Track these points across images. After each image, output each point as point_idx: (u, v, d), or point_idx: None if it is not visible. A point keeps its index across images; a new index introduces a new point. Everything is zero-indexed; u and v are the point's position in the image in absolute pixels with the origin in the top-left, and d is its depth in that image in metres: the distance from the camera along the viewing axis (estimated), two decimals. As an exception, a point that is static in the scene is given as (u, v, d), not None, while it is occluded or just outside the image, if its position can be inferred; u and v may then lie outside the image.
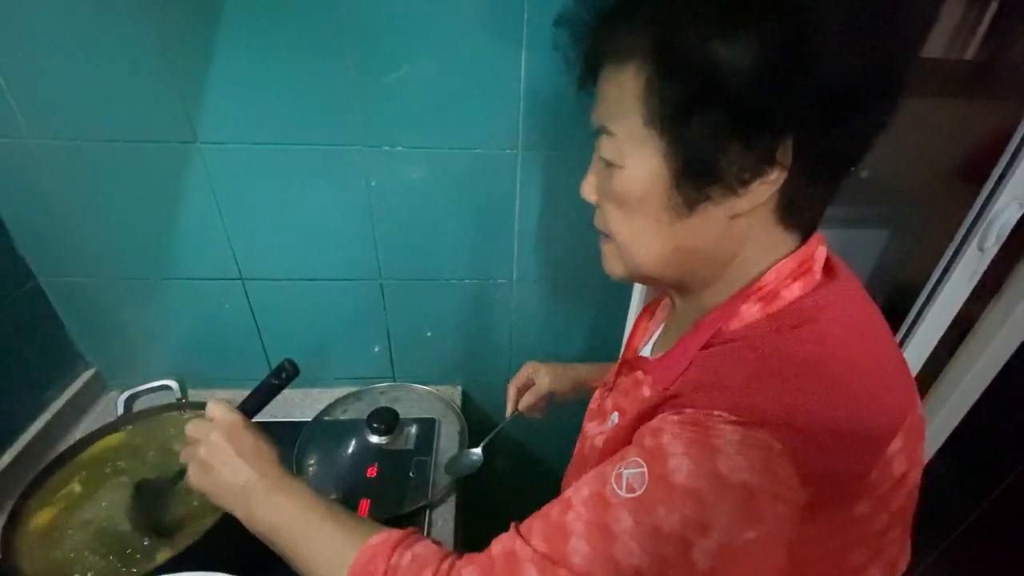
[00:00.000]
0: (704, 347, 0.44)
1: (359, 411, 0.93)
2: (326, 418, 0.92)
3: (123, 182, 0.76)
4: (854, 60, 0.35)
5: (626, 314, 0.93)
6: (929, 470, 1.08)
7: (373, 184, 0.79)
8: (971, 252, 0.86)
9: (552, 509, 0.41)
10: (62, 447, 0.79)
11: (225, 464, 0.52)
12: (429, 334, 0.97)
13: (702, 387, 0.40)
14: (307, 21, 0.66)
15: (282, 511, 0.50)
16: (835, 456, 0.35)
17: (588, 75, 0.45)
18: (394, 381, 1.01)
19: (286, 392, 1.01)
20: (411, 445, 0.87)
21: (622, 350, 0.92)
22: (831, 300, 0.42)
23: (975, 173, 0.90)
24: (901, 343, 1.00)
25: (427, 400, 0.97)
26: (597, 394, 0.63)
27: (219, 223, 0.81)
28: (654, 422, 0.40)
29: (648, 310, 0.66)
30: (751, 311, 0.43)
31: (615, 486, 0.38)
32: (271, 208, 0.80)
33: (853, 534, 0.37)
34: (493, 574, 0.40)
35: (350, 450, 0.86)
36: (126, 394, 0.76)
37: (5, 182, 0.75)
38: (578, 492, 0.40)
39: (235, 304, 0.89)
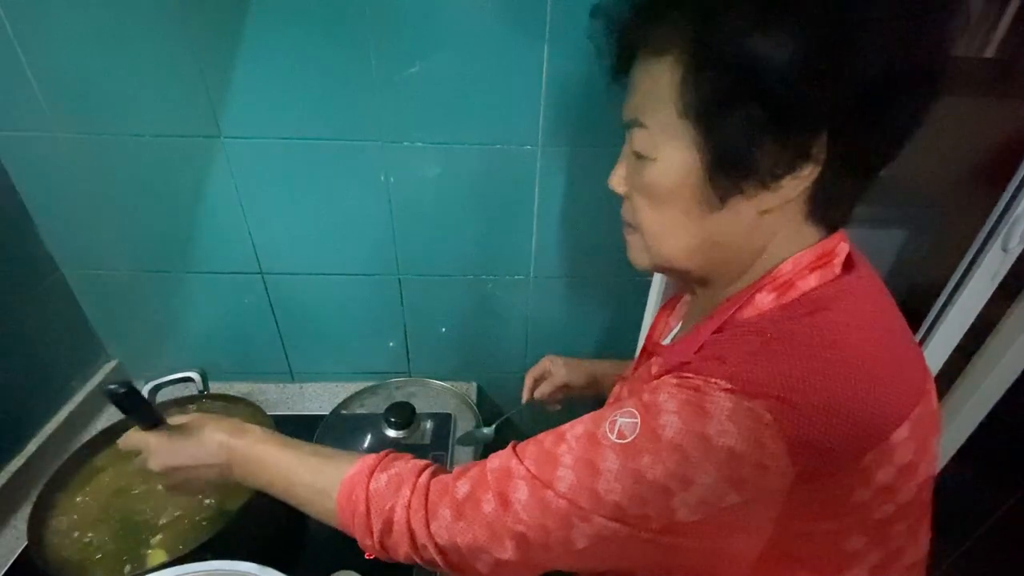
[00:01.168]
0: (716, 332, 0.44)
1: (375, 405, 0.93)
2: (343, 412, 0.92)
3: (147, 176, 0.77)
4: (892, 56, 0.35)
5: (643, 312, 0.92)
6: (947, 474, 1.08)
7: (392, 179, 0.79)
8: (994, 253, 0.85)
9: (547, 437, 0.44)
10: (85, 437, 0.80)
11: (187, 478, 0.55)
12: (444, 330, 0.97)
13: (705, 359, 0.40)
14: (331, 16, 0.66)
15: (260, 476, 0.53)
16: (826, 433, 0.35)
17: (621, 67, 0.45)
18: (410, 376, 1.02)
19: (303, 385, 1.03)
20: (427, 440, 0.88)
21: (641, 344, 0.93)
22: (846, 291, 0.42)
23: (995, 173, 0.89)
24: (919, 345, 1.00)
25: (443, 395, 0.97)
26: (616, 387, 0.63)
27: (240, 217, 0.81)
28: (656, 381, 0.41)
29: (669, 305, 0.67)
30: (765, 300, 0.43)
31: (607, 430, 0.40)
32: (291, 203, 0.81)
33: (850, 519, 0.38)
34: (487, 487, 0.43)
35: (367, 444, 0.86)
36: (150, 385, 0.77)
37: (33, 175, 0.76)
38: (573, 428, 0.43)
39: (255, 298, 0.90)
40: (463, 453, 0.89)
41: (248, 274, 0.88)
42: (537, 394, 0.83)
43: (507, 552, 0.41)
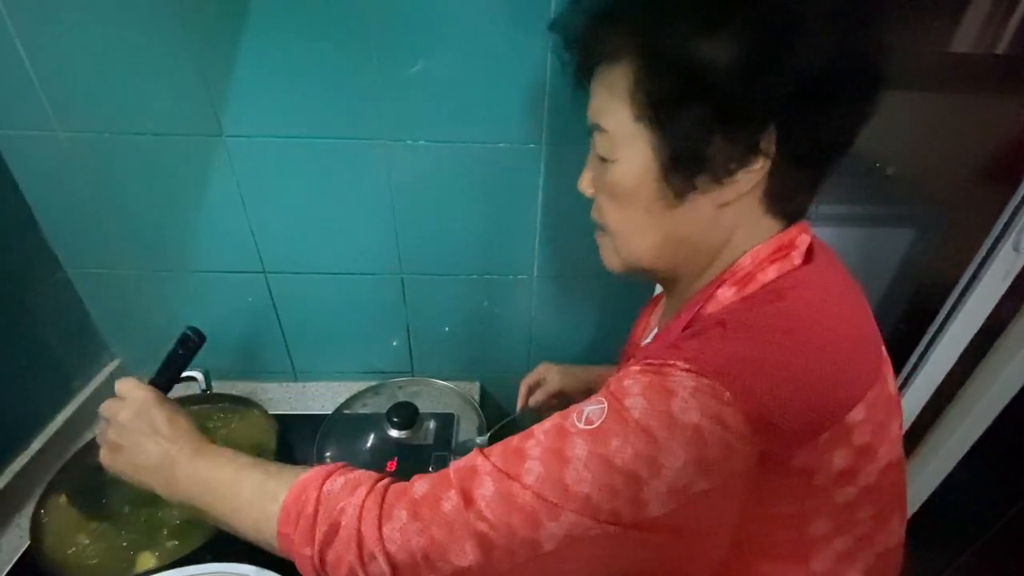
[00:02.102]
0: (685, 328, 0.45)
1: (378, 405, 0.93)
2: (346, 411, 0.92)
3: (150, 175, 0.77)
4: (830, 53, 0.37)
5: (647, 312, 0.92)
6: (955, 476, 1.07)
7: (395, 178, 0.78)
8: (1005, 253, 0.84)
9: (515, 438, 0.43)
10: (88, 437, 0.80)
11: (138, 443, 0.51)
12: (447, 329, 0.97)
13: (667, 348, 0.41)
14: (333, 14, 0.66)
15: (206, 473, 0.49)
16: (783, 411, 0.36)
17: (582, 75, 0.48)
18: (413, 376, 1.02)
19: (306, 385, 1.03)
20: (430, 440, 0.87)
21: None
22: (803, 281, 0.43)
23: (1005, 171, 0.88)
24: (927, 346, 0.98)
25: (446, 395, 0.97)
26: (602, 390, 0.64)
27: (243, 216, 0.81)
28: (621, 372, 0.42)
29: (651, 306, 0.68)
30: (727, 294, 0.45)
31: (575, 419, 0.40)
32: (294, 202, 0.80)
33: (812, 502, 0.38)
34: (449, 485, 0.41)
35: (369, 444, 0.86)
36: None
37: (35, 175, 0.76)
38: (541, 425, 0.42)
39: (257, 297, 0.90)
40: (465, 452, 0.88)
41: (251, 273, 0.87)
42: (532, 402, 0.83)
43: (467, 557, 0.38)
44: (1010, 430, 0.98)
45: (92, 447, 0.76)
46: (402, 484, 0.44)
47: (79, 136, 0.73)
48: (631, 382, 0.39)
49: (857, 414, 0.38)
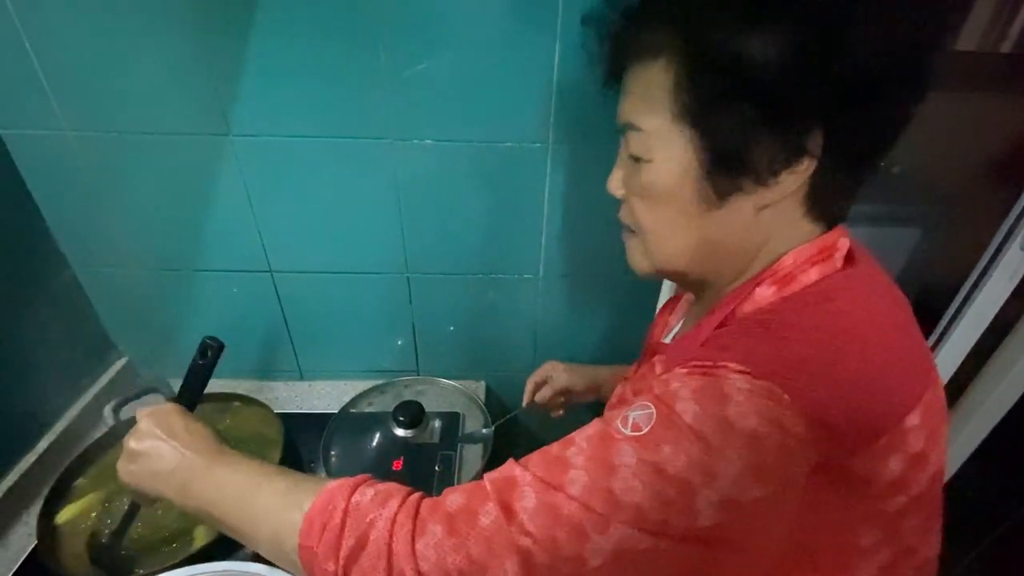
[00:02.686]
0: (718, 327, 0.44)
1: (384, 404, 0.93)
2: (352, 410, 0.92)
3: (157, 174, 0.77)
4: (880, 50, 0.36)
5: (653, 313, 0.91)
6: (963, 474, 1.06)
7: (401, 177, 0.79)
8: (1012, 253, 0.84)
9: (553, 445, 0.40)
10: (96, 435, 0.80)
11: (155, 447, 0.49)
12: (452, 328, 0.97)
13: (711, 349, 0.40)
14: (340, 14, 0.66)
15: (224, 478, 0.47)
16: (843, 413, 0.34)
17: (615, 73, 0.46)
18: (418, 374, 1.02)
19: (312, 383, 1.03)
20: (436, 439, 0.87)
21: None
22: (850, 283, 0.42)
23: (1012, 171, 0.88)
24: (934, 346, 0.98)
25: (451, 394, 0.97)
26: (618, 388, 0.63)
27: (249, 215, 0.81)
28: (664, 375, 0.40)
29: (669, 305, 0.67)
30: (765, 294, 0.43)
31: (620, 425, 0.37)
32: (300, 201, 0.80)
33: (863, 510, 0.37)
34: (486, 498, 0.37)
35: (375, 443, 0.86)
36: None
37: (44, 174, 0.77)
38: (581, 432, 0.40)
39: (264, 296, 0.90)
40: (471, 452, 0.88)
41: (257, 272, 0.87)
42: (538, 398, 0.84)
43: (507, 574, 0.35)
44: (1017, 430, 0.97)
45: (99, 446, 0.77)
46: (435, 498, 0.41)
47: (87, 135, 0.73)
48: (679, 385, 0.37)
49: (914, 418, 0.37)
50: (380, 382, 0.98)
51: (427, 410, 0.88)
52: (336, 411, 0.91)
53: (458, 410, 0.93)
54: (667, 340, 0.61)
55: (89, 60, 0.68)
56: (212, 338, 0.61)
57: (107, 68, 0.69)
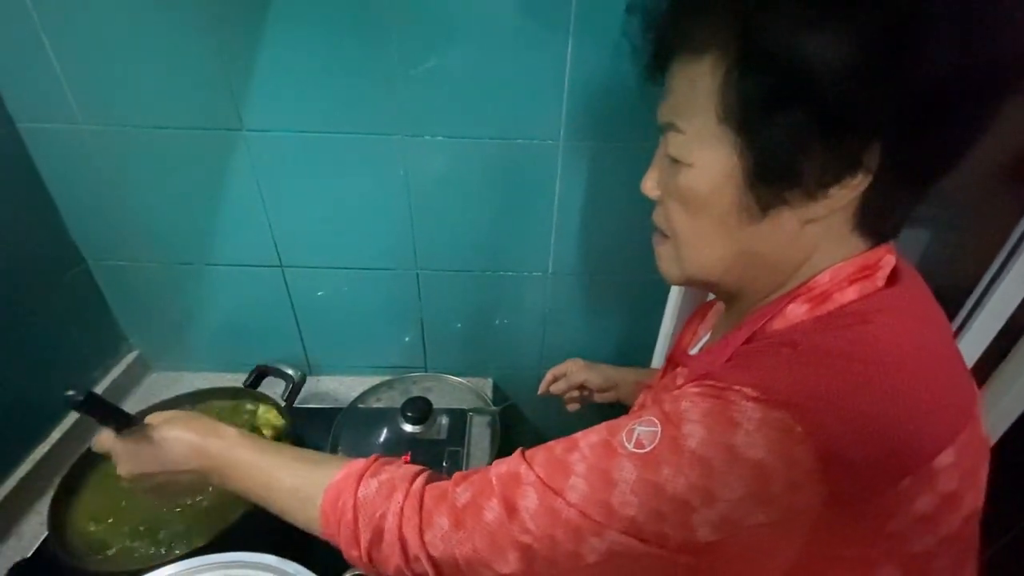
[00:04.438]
0: (745, 343, 0.42)
1: (392, 400, 0.94)
2: (360, 406, 0.93)
3: (170, 168, 0.78)
4: (956, 59, 0.32)
5: (662, 314, 0.92)
6: (973, 480, 1.04)
7: (412, 174, 0.79)
8: (1027, 255, 0.83)
9: (559, 444, 0.41)
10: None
11: (157, 482, 0.54)
12: (459, 325, 0.97)
13: (729, 368, 0.39)
14: (353, 9, 0.66)
15: (238, 482, 0.50)
16: (862, 450, 0.32)
17: (657, 67, 0.43)
18: (426, 371, 1.02)
19: (321, 378, 1.03)
20: (443, 435, 0.88)
21: (663, 348, 0.92)
22: (889, 305, 0.39)
23: (1025, 172, 0.87)
24: (968, 369, 0.97)
25: (459, 391, 0.97)
26: (641, 396, 0.63)
27: (261, 210, 0.82)
28: (677, 391, 0.38)
29: (699, 314, 0.65)
30: (797, 311, 0.41)
31: (624, 439, 0.37)
32: (312, 196, 0.81)
33: (883, 548, 0.34)
34: (492, 493, 0.40)
35: (383, 438, 0.86)
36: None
37: (60, 168, 0.77)
38: (586, 436, 0.40)
39: (274, 290, 0.91)
40: (479, 449, 0.88)
41: (268, 267, 0.88)
42: (553, 389, 0.84)
43: (509, 566, 0.38)
44: (1027, 436, 0.96)
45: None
46: (440, 486, 0.43)
47: (102, 129, 0.74)
48: (689, 405, 0.36)
49: (945, 458, 0.34)
50: (388, 378, 0.98)
51: (435, 406, 0.89)
52: (344, 406, 0.92)
53: (465, 407, 0.94)
54: (694, 351, 0.59)
55: (105, 55, 0.69)
56: (67, 396, 0.50)
57: (123, 64, 0.69)
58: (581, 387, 0.83)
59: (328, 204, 0.82)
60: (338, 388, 1.00)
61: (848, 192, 0.37)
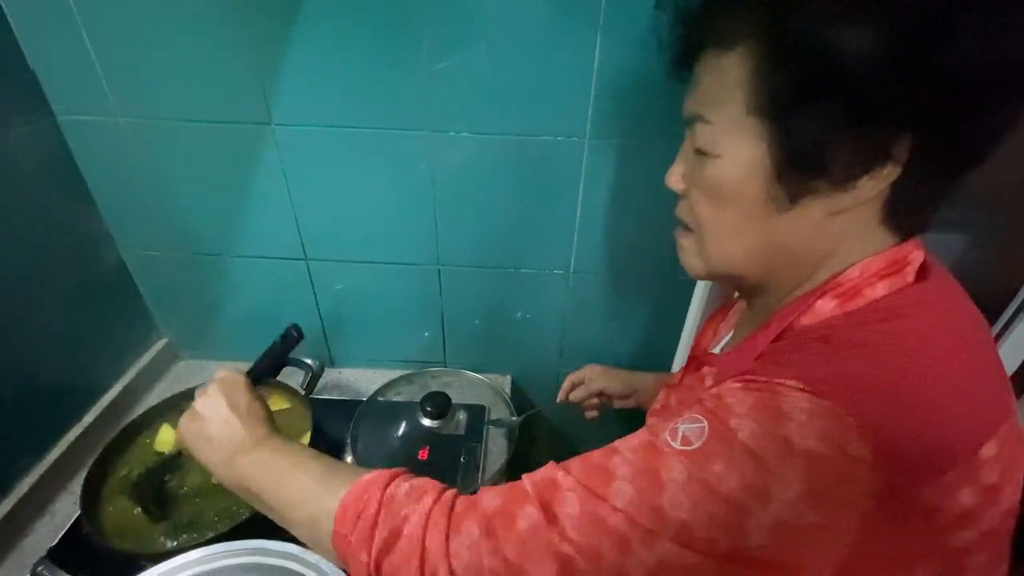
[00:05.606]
0: (775, 341, 0.42)
1: (411, 394, 0.94)
2: (380, 399, 0.94)
3: (201, 160, 0.79)
4: (986, 52, 0.32)
5: (685, 315, 0.90)
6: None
7: (437, 170, 0.79)
8: (1072, 262, 0.80)
9: (595, 452, 0.39)
10: (139, 410, 0.83)
11: (216, 414, 0.52)
12: (479, 322, 0.97)
13: (767, 364, 0.38)
14: (382, 5, 0.66)
15: (267, 458, 0.49)
16: (912, 439, 0.32)
17: (686, 61, 0.43)
18: (446, 366, 1.03)
19: (342, 370, 1.05)
20: (462, 431, 0.88)
21: (684, 349, 0.91)
22: (923, 299, 0.39)
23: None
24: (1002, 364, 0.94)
25: (478, 387, 0.98)
26: (662, 394, 0.62)
27: (288, 203, 0.83)
28: (716, 388, 0.37)
29: (720, 313, 0.64)
30: (826, 307, 0.41)
31: (668, 438, 0.35)
32: (337, 190, 0.82)
33: (924, 544, 0.34)
34: (526, 499, 0.37)
35: (402, 431, 0.87)
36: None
37: (96, 158, 0.80)
38: (626, 441, 0.38)
39: (298, 283, 0.92)
40: (496, 444, 0.89)
41: (293, 260, 0.89)
42: (572, 396, 0.83)
43: None
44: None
45: (145, 420, 0.80)
46: (471, 496, 0.40)
47: (137, 122, 0.76)
48: (734, 400, 0.35)
49: (989, 450, 0.34)
50: (408, 372, 0.99)
51: (453, 402, 0.89)
52: (364, 398, 0.93)
53: (484, 403, 0.94)
54: (716, 351, 0.58)
55: (141, 50, 0.70)
56: (296, 326, 0.67)
57: (159, 58, 0.71)
58: (600, 394, 0.82)
59: (353, 198, 0.83)
60: (358, 380, 1.01)
61: (877, 183, 0.37)
